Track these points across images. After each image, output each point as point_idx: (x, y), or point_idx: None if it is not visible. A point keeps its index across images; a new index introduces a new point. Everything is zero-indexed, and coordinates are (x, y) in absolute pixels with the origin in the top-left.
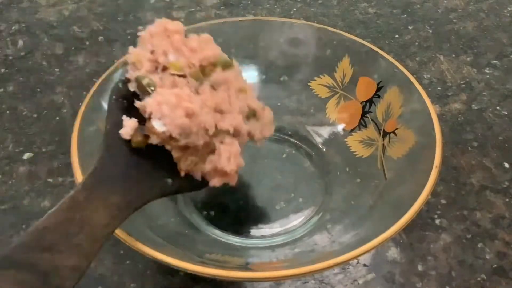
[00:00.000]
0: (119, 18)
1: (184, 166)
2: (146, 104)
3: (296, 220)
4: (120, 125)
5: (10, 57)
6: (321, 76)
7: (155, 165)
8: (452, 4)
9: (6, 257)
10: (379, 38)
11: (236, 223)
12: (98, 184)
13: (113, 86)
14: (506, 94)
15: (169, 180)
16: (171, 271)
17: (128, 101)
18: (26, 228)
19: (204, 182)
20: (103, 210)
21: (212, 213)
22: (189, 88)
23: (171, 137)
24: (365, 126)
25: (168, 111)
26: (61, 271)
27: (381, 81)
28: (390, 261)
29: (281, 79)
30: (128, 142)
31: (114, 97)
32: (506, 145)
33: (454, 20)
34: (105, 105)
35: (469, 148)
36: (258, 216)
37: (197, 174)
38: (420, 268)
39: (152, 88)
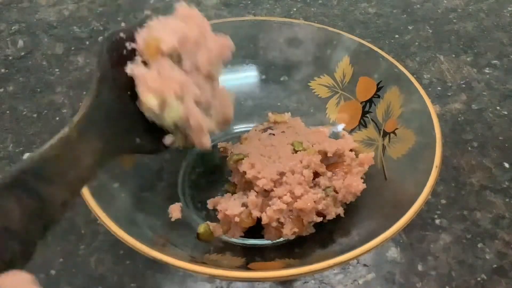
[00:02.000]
0: (119, 18)
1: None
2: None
3: None
4: (110, 74)
5: (10, 57)
6: (321, 76)
7: (131, 122)
8: (452, 4)
9: (10, 179)
10: (379, 38)
11: None
12: (88, 127)
13: (110, 34)
14: (506, 94)
15: (138, 139)
16: (171, 271)
17: (121, 54)
18: None
19: (161, 149)
20: (90, 153)
21: (212, 213)
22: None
23: None
24: (365, 126)
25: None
26: (55, 203)
27: (381, 81)
28: (390, 261)
29: (281, 79)
30: (116, 89)
31: (108, 46)
32: (506, 145)
33: (454, 20)
34: None
35: (469, 148)
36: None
37: None
38: (420, 268)
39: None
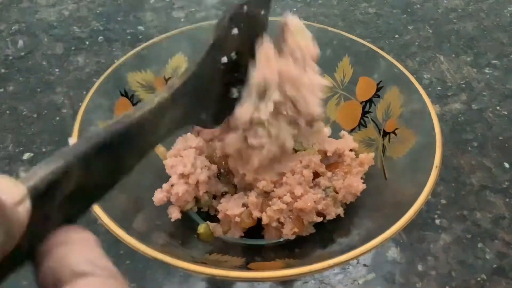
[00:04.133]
0: (119, 18)
1: None
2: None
3: None
4: (224, 45)
5: (10, 57)
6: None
7: (210, 98)
8: (452, 4)
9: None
10: (379, 38)
11: None
12: (182, 96)
13: (240, 3)
14: (506, 94)
15: (204, 115)
16: (171, 271)
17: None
18: None
19: (214, 126)
20: (170, 121)
21: (213, 213)
22: None
23: None
24: (365, 126)
25: None
26: (128, 168)
27: (381, 81)
28: (390, 261)
29: None
30: (218, 64)
31: (233, 16)
32: (506, 145)
33: (454, 20)
34: (105, 105)
35: (469, 148)
36: None
37: None
38: (420, 268)
39: None
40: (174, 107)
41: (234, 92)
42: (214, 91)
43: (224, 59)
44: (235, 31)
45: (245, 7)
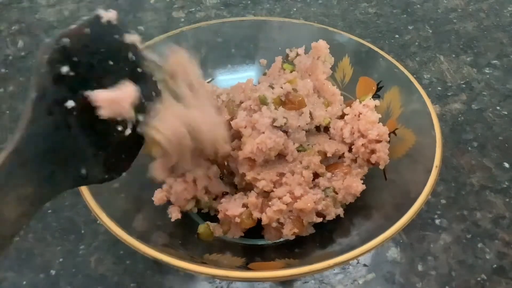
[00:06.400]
0: None
1: None
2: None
3: None
4: (52, 93)
5: (10, 57)
6: None
7: (74, 151)
8: (452, 4)
9: None
10: (379, 38)
11: None
12: (16, 169)
13: (54, 39)
14: (506, 94)
15: (84, 171)
16: (171, 271)
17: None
18: (26, 228)
19: (112, 177)
20: (15, 203)
21: (213, 213)
22: None
23: None
24: None
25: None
26: None
27: (381, 81)
28: (390, 261)
29: None
30: (59, 113)
31: (51, 55)
32: (506, 145)
33: (454, 20)
34: None
35: (469, 148)
36: None
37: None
38: (420, 268)
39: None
40: (12, 186)
41: (125, 128)
42: (76, 145)
43: (70, 103)
44: (65, 69)
45: (61, 42)
